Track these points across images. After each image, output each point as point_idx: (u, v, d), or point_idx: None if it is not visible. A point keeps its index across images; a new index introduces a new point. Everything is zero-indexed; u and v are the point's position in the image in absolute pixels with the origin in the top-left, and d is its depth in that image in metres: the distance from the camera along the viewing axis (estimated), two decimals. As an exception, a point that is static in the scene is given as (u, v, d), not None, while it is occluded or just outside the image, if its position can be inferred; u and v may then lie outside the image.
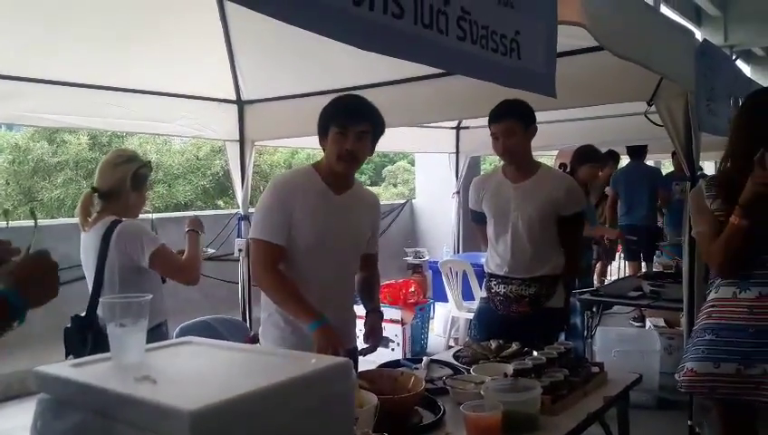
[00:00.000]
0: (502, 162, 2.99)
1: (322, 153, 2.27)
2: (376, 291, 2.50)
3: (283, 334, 2.23)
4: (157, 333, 2.47)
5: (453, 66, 1.60)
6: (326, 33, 1.21)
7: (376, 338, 2.34)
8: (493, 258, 2.97)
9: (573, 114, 5.13)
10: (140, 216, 2.77)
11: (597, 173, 4.53)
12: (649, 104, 3.03)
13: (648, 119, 3.12)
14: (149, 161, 2.77)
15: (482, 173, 5.22)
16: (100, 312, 2.58)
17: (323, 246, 2.19)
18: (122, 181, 2.60)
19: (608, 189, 6.36)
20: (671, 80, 2.78)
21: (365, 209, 2.35)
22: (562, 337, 3.04)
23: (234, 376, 1.19)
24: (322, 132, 2.20)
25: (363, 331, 2.37)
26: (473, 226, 3.30)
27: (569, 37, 2.62)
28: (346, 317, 2.31)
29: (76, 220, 2.67)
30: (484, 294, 3.04)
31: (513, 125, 2.75)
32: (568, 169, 4.45)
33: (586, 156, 4.49)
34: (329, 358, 1.23)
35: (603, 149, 5.74)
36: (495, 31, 1.58)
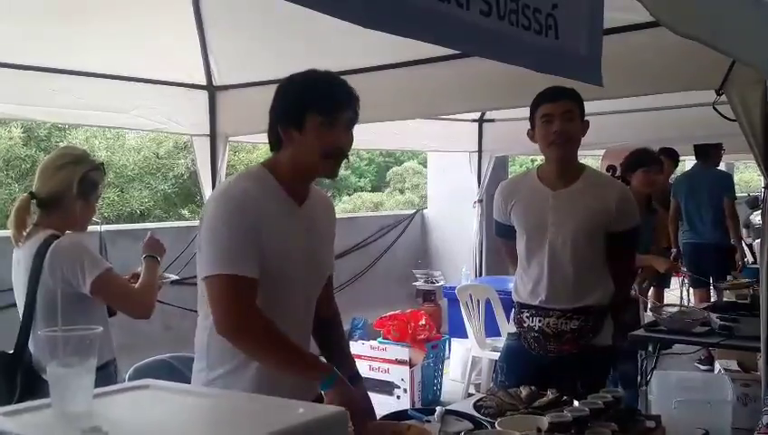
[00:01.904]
0: (536, 164, 3.00)
1: None
2: (345, 341, 2.39)
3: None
4: (103, 375, 2.47)
5: (475, 47, 1.61)
6: (318, 8, 1.22)
7: (371, 417, 2.19)
8: (524, 284, 2.97)
9: (623, 105, 5.14)
10: (87, 229, 2.79)
11: (653, 179, 4.55)
12: (719, 93, 3.04)
13: (717, 111, 3.13)
14: (102, 163, 2.80)
15: (510, 176, 5.24)
16: (32, 347, 2.60)
17: (290, 278, 2.05)
18: (67, 186, 2.63)
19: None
20: (745, 63, 2.79)
21: (325, 218, 2.23)
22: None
23: (202, 429, 1.20)
24: (292, 121, 1.98)
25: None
26: (497, 241, 3.31)
27: (618, 10, 2.65)
28: None
29: (8, 233, 2.69)
30: (513, 328, 3.04)
31: (572, 108, 2.78)
32: (617, 174, 4.47)
33: (636, 160, 4.52)
34: (320, 407, 1.24)
35: (658, 148, 5.75)
36: (528, 4, 1.59)
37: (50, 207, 2.66)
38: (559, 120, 2.76)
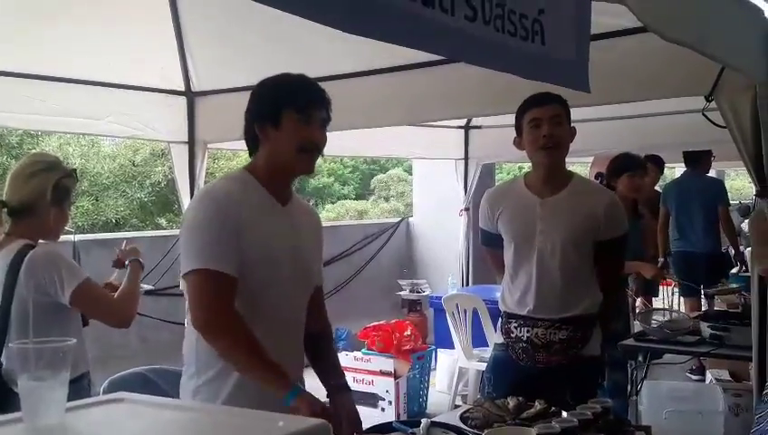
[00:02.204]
0: (523, 172, 3.02)
1: None
2: (335, 354, 2.42)
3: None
4: (76, 388, 2.46)
5: (460, 53, 1.63)
6: (299, 13, 1.23)
7: (358, 428, 2.22)
8: (511, 293, 2.98)
9: (611, 112, 5.18)
10: (61, 238, 2.78)
11: (639, 184, 4.58)
12: (708, 100, 3.07)
13: (707, 118, 3.17)
14: (74, 170, 2.79)
15: (497, 184, 5.26)
16: (4, 360, 2.58)
17: (275, 278, 2.13)
18: (40, 194, 2.62)
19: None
20: (735, 69, 2.82)
21: (310, 225, 2.33)
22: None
23: (180, 443, 1.20)
24: (268, 119, 2.11)
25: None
26: (483, 250, 3.32)
27: (605, 15, 2.67)
28: (298, 373, 2.24)
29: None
30: (500, 339, 3.05)
31: (560, 112, 2.80)
32: (604, 183, 4.50)
33: (621, 165, 4.56)
34: (301, 419, 1.24)
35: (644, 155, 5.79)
36: (514, 10, 1.60)
37: (22, 215, 2.64)
38: (547, 125, 2.78)
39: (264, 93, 2.17)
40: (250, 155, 2.22)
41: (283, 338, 2.15)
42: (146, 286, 3.32)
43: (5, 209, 2.64)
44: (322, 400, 2.14)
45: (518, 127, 2.89)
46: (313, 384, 2.30)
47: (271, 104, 2.12)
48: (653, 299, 6.58)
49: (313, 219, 2.40)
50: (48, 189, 2.62)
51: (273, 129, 2.11)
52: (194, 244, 2.05)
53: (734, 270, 6.89)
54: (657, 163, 6.26)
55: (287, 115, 2.09)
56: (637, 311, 5.12)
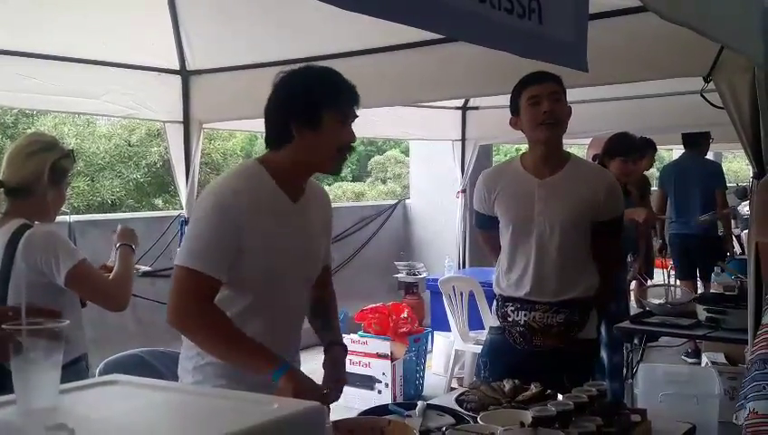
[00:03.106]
0: (520, 152, 3.01)
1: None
2: (334, 316, 2.45)
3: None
4: (74, 370, 2.48)
5: (456, 31, 1.61)
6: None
7: (340, 377, 2.26)
8: (506, 276, 2.97)
9: (609, 93, 5.18)
10: (56, 218, 2.78)
11: (631, 169, 4.57)
12: (707, 81, 3.07)
13: (705, 99, 3.16)
14: (72, 150, 2.79)
15: (493, 165, 5.25)
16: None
17: (277, 277, 2.14)
18: (38, 175, 2.62)
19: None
20: (734, 50, 2.81)
21: (320, 212, 2.32)
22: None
23: (173, 425, 1.20)
24: (309, 118, 2.06)
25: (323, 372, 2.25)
26: (477, 232, 3.32)
27: (604, -5, 2.65)
28: (294, 357, 2.27)
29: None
30: (496, 322, 3.05)
31: (558, 90, 2.80)
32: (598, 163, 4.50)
33: (615, 149, 4.54)
34: (296, 402, 1.23)
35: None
36: (511, -14, 1.59)
37: (20, 195, 2.64)
38: (547, 101, 2.77)
39: (300, 92, 2.09)
40: (269, 146, 2.16)
41: (283, 327, 2.20)
42: (142, 268, 3.31)
43: (2, 189, 2.64)
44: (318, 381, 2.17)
45: (514, 106, 2.87)
46: (311, 367, 2.32)
47: (310, 105, 2.06)
48: (648, 281, 6.61)
49: (324, 202, 2.37)
50: (46, 170, 2.63)
51: (311, 129, 2.06)
52: (188, 240, 2.11)
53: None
54: (651, 147, 6.27)
55: (328, 116, 2.07)
56: (632, 292, 5.12)
